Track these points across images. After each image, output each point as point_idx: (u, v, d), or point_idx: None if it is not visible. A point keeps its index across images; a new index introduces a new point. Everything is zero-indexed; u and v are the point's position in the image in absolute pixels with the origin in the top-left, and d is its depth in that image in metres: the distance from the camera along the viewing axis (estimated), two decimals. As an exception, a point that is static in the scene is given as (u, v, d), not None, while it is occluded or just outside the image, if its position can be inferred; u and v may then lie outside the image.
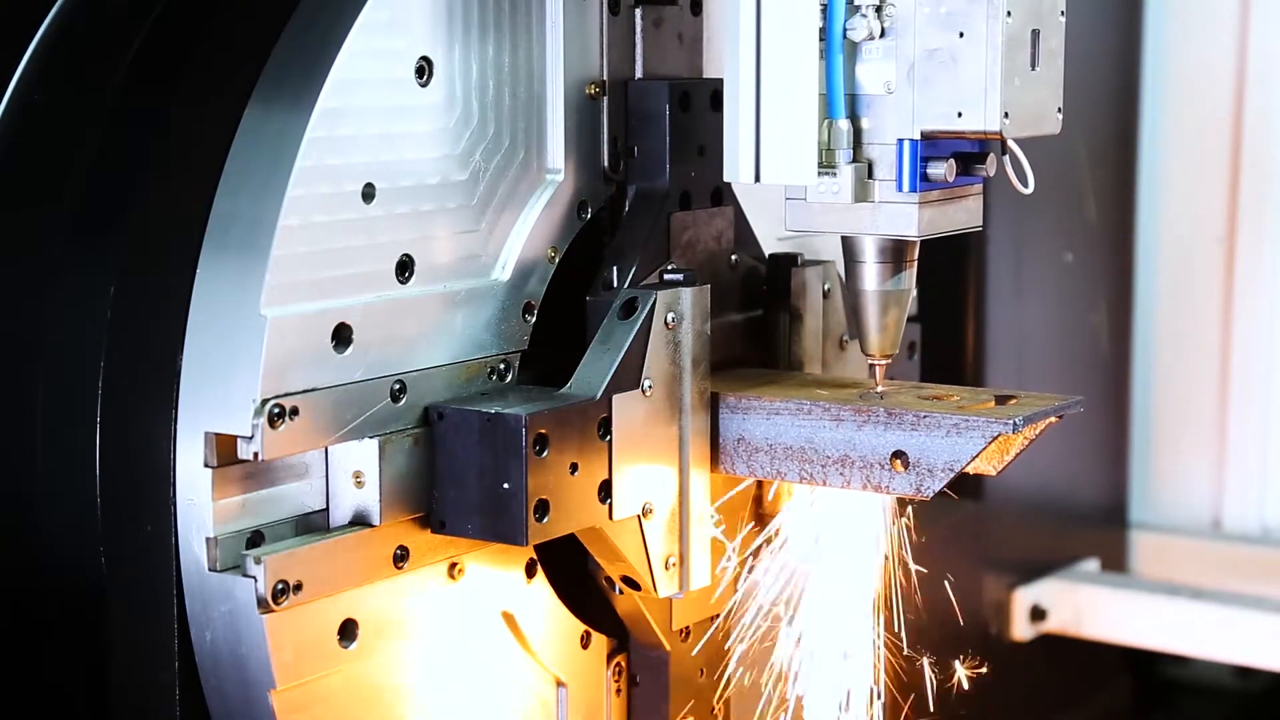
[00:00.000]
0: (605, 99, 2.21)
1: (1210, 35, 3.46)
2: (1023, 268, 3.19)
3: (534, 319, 2.16)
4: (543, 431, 2.01)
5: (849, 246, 2.15)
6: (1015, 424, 2.07)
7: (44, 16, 2.19)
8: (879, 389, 2.18)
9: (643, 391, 2.14)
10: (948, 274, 3.01)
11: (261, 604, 1.89)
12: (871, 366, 2.19)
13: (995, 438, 2.07)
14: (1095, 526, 3.47)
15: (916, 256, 2.16)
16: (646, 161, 2.23)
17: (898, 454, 2.11)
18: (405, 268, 2.02)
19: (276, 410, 1.88)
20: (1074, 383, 3.35)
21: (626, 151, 2.23)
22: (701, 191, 2.27)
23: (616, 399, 2.11)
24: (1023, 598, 3.23)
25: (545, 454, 2.02)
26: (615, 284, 2.17)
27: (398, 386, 2.01)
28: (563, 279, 2.20)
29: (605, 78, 2.21)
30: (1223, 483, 3.54)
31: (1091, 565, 3.40)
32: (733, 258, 2.33)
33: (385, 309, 1.99)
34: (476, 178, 2.09)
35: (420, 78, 2.02)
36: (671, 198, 2.23)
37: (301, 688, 1.95)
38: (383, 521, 2.00)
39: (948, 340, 2.49)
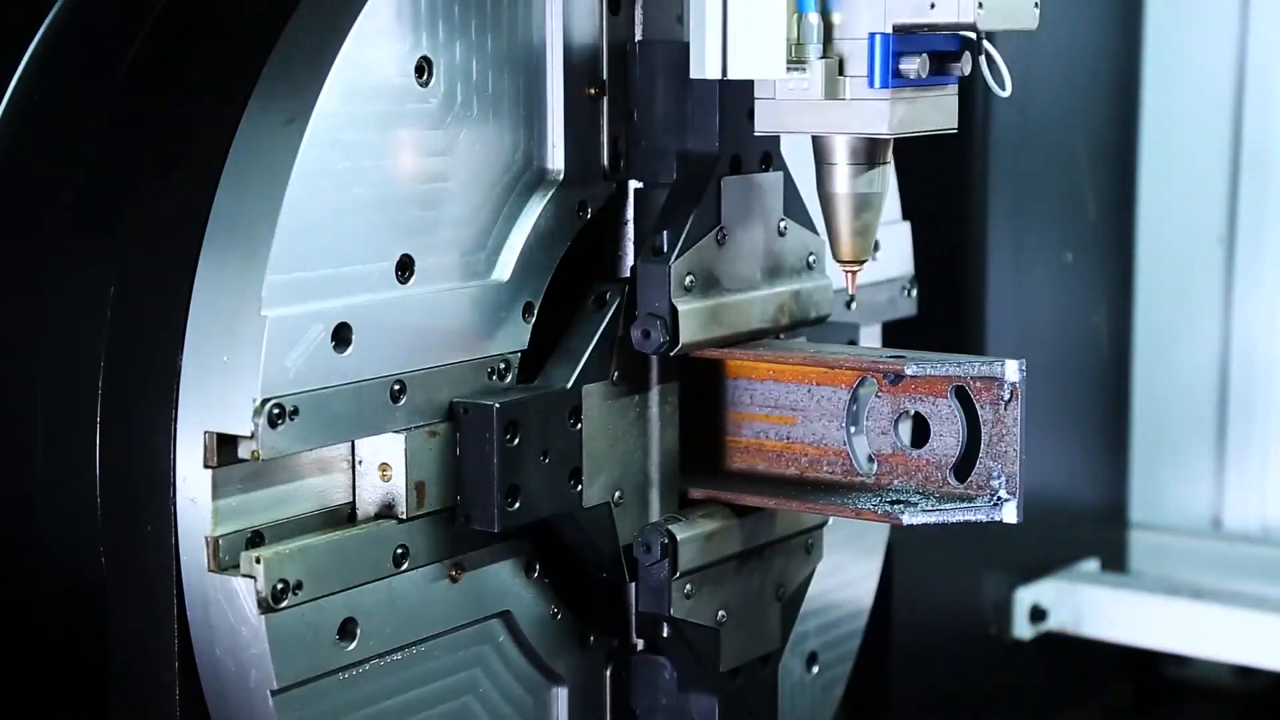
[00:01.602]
0: (605, 99, 2.21)
1: (1210, 35, 3.46)
2: (1023, 268, 3.19)
3: (534, 319, 2.16)
4: (514, 419, 2.05)
5: (820, 147, 2.12)
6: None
7: (44, 16, 2.20)
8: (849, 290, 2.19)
9: (613, 381, 2.18)
10: (947, 274, 3.01)
11: (261, 604, 1.89)
12: (845, 272, 2.17)
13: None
14: (1095, 526, 3.47)
15: (890, 158, 2.12)
16: (696, 124, 2.19)
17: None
18: (405, 268, 2.02)
19: (276, 410, 1.88)
20: (1074, 383, 3.35)
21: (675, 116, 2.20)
22: (751, 155, 2.25)
23: (586, 389, 2.15)
24: (1023, 598, 3.23)
25: (516, 442, 2.05)
26: (665, 250, 2.17)
27: (397, 387, 2.01)
28: (563, 279, 2.20)
29: (605, 78, 2.21)
30: (1223, 483, 3.54)
31: (1091, 565, 3.40)
32: (781, 224, 2.32)
33: (385, 309, 1.99)
34: (476, 178, 2.09)
35: (420, 77, 2.02)
36: (722, 161, 2.21)
37: (301, 688, 1.95)
38: (378, 517, 2.01)
39: (947, 340, 2.48)
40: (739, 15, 2.00)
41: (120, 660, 2.00)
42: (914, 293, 2.65)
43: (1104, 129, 3.38)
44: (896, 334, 2.64)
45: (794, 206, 2.31)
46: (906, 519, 2.13)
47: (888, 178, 2.14)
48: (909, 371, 2.15)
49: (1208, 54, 3.47)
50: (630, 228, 2.26)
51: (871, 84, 2.00)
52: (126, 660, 2.00)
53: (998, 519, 2.14)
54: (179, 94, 2.09)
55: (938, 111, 2.07)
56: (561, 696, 2.26)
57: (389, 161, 2.00)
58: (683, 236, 2.17)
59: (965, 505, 2.15)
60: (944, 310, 2.84)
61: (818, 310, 2.36)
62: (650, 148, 2.23)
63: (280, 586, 1.90)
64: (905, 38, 2.00)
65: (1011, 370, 2.12)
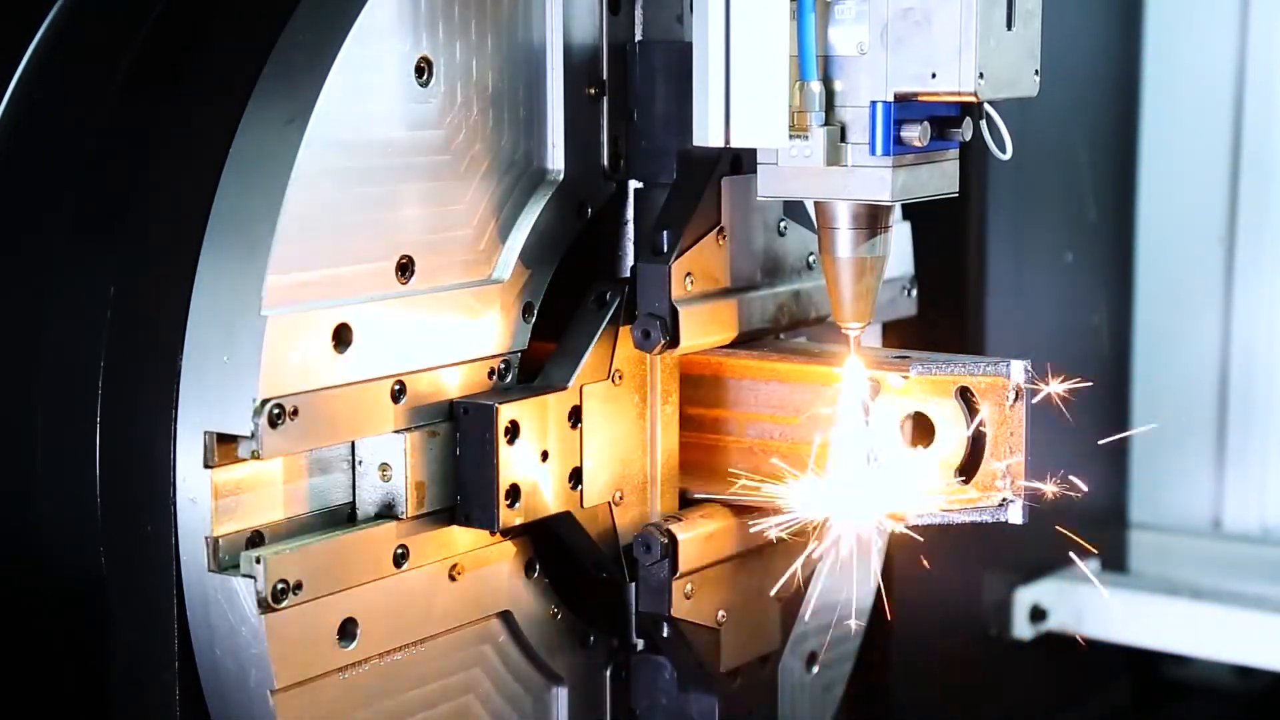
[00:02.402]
0: (605, 99, 2.21)
1: (1210, 35, 3.46)
2: (1023, 268, 3.18)
3: (534, 319, 2.16)
4: (514, 420, 2.05)
5: (822, 212, 2.12)
6: None
7: (44, 16, 2.20)
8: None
9: (613, 381, 2.18)
10: (947, 274, 3.01)
11: (261, 604, 1.89)
12: (846, 333, 2.17)
13: None
14: (1095, 526, 3.46)
15: (891, 222, 2.13)
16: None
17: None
18: (405, 268, 2.02)
19: (276, 410, 1.88)
20: (1074, 383, 3.35)
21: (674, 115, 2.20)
22: (751, 156, 2.25)
23: (587, 389, 2.15)
24: (1023, 598, 3.23)
25: (516, 442, 2.05)
26: (665, 250, 2.16)
27: (398, 387, 2.01)
28: (563, 279, 2.20)
29: (605, 78, 2.21)
30: (1223, 483, 3.53)
31: (1091, 565, 3.40)
32: (781, 224, 2.32)
33: (385, 309, 1.99)
34: (476, 178, 2.09)
35: (420, 78, 2.02)
36: (722, 162, 2.20)
37: (301, 688, 1.95)
38: (378, 517, 2.02)
39: (947, 340, 2.48)
40: (741, 84, 2.00)
41: (120, 660, 2.00)
42: (914, 292, 2.65)
43: (1104, 129, 3.38)
44: (896, 334, 2.64)
45: (794, 206, 2.31)
46: (911, 519, 2.13)
47: (889, 242, 2.14)
48: (914, 372, 2.15)
49: (1208, 54, 3.46)
50: (630, 228, 2.27)
51: (873, 151, 2.00)
52: (126, 660, 2.00)
53: (1003, 520, 2.14)
54: (179, 94, 2.09)
55: (939, 177, 2.08)
56: (561, 696, 2.26)
57: (389, 162, 2.00)
58: (683, 236, 2.17)
59: (971, 506, 2.15)
60: (944, 310, 2.84)
61: (818, 310, 2.36)
62: (650, 148, 2.23)
63: (280, 586, 1.90)
64: (906, 105, 2.00)
65: (1017, 371, 2.12)
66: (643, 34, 2.24)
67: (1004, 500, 2.14)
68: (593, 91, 2.20)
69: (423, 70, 2.02)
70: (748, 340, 2.27)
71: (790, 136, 2.01)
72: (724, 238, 2.22)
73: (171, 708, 1.96)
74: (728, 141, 2.03)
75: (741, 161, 2.22)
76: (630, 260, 2.26)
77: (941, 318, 2.80)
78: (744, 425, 2.32)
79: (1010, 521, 2.14)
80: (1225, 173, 3.47)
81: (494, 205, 2.11)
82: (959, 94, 1.97)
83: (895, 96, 2.00)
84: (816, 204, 2.13)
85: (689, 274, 2.17)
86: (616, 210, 2.26)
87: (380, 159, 1.99)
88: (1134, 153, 3.45)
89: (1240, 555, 3.46)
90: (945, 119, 2.04)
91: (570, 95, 2.17)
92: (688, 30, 2.25)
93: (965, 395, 2.16)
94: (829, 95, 2.02)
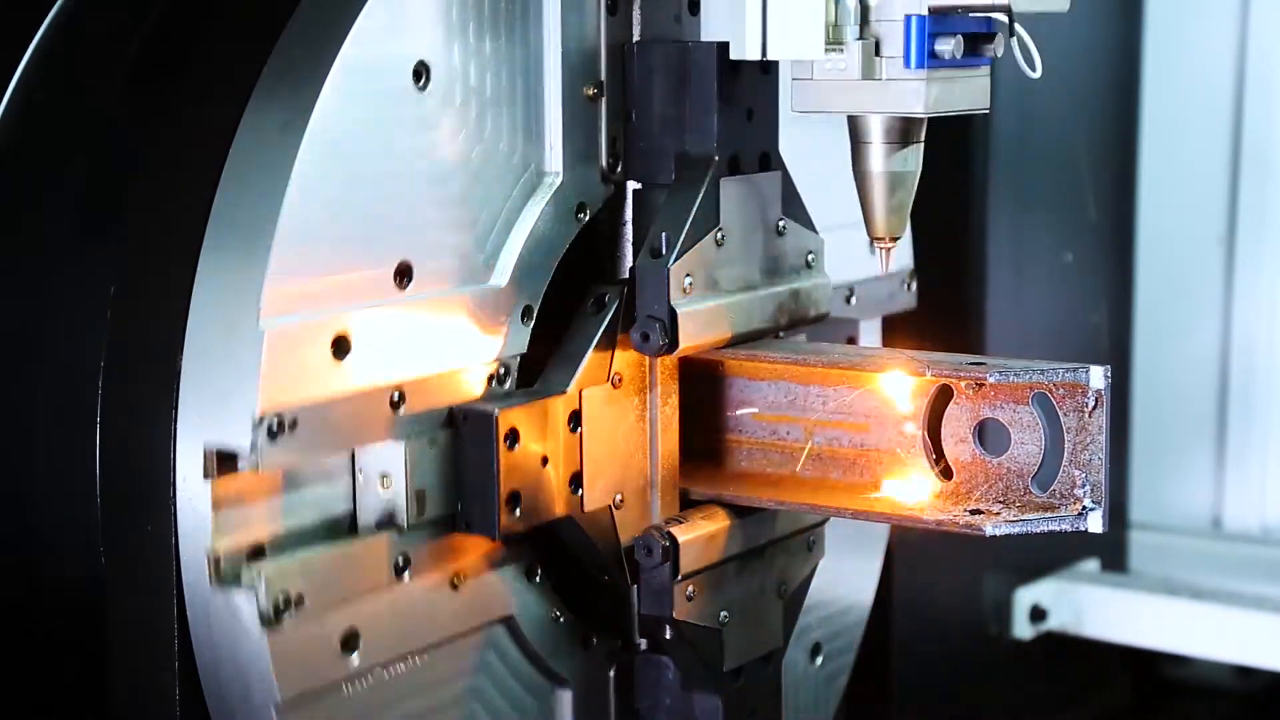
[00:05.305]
0: (604, 100, 2.21)
1: (1210, 35, 3.46)
2: (1023, 268, 3.19)
3: (533, 322, 2.15)
4: (513, 426, 2.05)
5: (855, 127, 2.16)
6: None
7: (44, 16, 2.20)
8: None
9: (613, 384, 2.18)
10: (948, 274, 3.01)
11: (263, 617, 1.87)
12: (879, 249, 2.21)
13: None
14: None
15: (923, 137, 2.16)
16: (695, 125, 2.20)
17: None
18: (404, 274, 2.01)
19: (275, 423, 1.87)
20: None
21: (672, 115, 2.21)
22: (750, 156, 2.26)
23: (586, 393, 2.15)
24: (1023, 598, 3.23)
25: (516, 448, 2.05)
26: (664, 251, 2.16)
27: (397, 395, 2.00)
28: (562, 281, 2.19)
29: (604, 78, 2.21)
30: (1223, 483, 3.54)
31: (1091, 565, 3.40)
32: (780, 223, 2.32)
33: (384, 317, 1.98)
34: (474, 181, 2.09)
35: (418, 81, 2.02)
36: (720, 162, 2.21)
37: (305, 700, 1.94)
38: (379, 526, 2.01)
39: (948, 340, 2.48)
40: None
41: (120, 660, 2.00)
42: (913, 286, 2.65)
43: (1104, 129, 3.38)
44: (896, 328, 2.65)
45: (793, 206, 2.31)
46: (989, 529, 2.09)
47: (920, 156, 2.17)
48: (992, 378, 2.12)
49: (1208, 54, 3.47)
50: (629, 229, 2.26)
51: (908, 64, 2.05)
52: (126, 660, 2.00)
53: (1082, 529, 2.08)
54: (179, 94, 2.08)
55: (971, 92, 2.12)
56: (565, 699, 2.26)
57: (386, 166, 1.99)
58: (681, 238, 2.17)
59: (1049, 515, 2.11)
60: (944, 310, 2.84)
61: (817, 309, 2.36)
62: (649, 149, 2.23)
63: (282, 599, 1.89)
64: (940, 19, 2.05)
65: (1096, 377, 2.09)
66: (641, 34, 2.24)
67: (1084, 508, 2.11)
68: (591, 92, 2.20)
69: (420, 74, 2.02)
70: (747, 341, 2.27)
71: (826, 49, 2.05)
72: (723, 239, 2.22)
73: (171, 708, 1.96)
74: (765, 54, 2.07)
75: (740, 162, 2.22)
76: (629, 262, 2.25)
77: (941, 317, 2.80)
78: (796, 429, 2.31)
79: (1090, 530, 2.09)
80: (1225, 173, 3.48)
81: (492, 208, 2.11)
82: (993, 5, 2.02)
83: (929, 10, 2.04)
84: (850, 119, 2.16)
85: (688, 275, 2.17)
86: (615, 212, 2.25)
87: (378, 163, 1.98)
88: (1134, 153, 3.45)
89: (1240, 555, 3.47)
90: (978, 35, 2.08)
91: (568, 96, 2.17)
92: (686, 30, 2.25)
93: (1041, 401, 2.13)
94: (864, 9, 2.07)
